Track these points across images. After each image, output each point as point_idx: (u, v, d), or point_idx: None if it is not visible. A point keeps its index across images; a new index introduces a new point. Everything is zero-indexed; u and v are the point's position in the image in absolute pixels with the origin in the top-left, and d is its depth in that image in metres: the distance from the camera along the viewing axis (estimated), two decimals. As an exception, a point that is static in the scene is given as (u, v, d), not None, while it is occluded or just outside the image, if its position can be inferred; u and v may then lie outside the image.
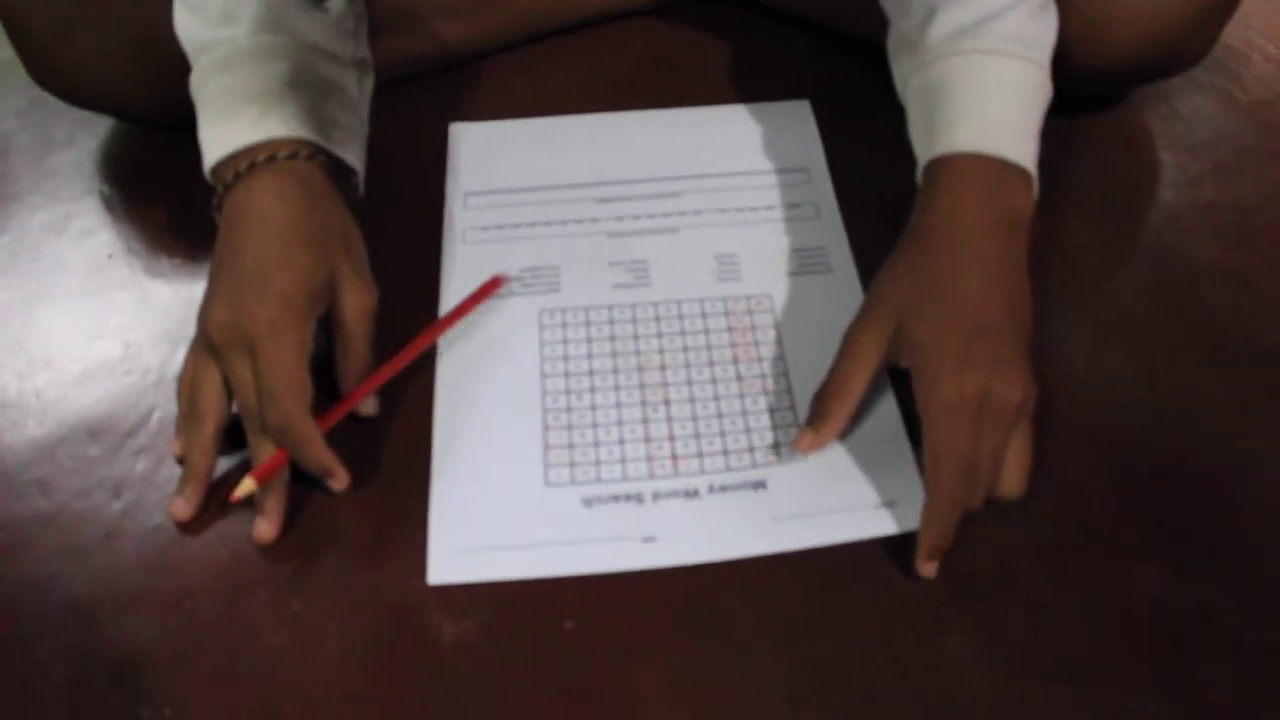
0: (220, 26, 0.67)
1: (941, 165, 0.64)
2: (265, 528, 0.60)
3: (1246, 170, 0.82)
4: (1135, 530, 0.60)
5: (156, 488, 0.63)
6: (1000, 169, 0.63)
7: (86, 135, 0.86)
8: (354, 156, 0.70)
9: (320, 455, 0.60)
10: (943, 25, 0.66)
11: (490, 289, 0.71)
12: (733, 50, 0.91)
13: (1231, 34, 0.86)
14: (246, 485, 0.60)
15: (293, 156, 0.64)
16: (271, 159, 0.64)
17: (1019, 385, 0.58)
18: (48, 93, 0.80)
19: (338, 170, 0.69)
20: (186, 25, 0.69)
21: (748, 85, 0.88)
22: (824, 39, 0.91)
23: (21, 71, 0.81)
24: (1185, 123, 0.85)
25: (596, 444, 0.64)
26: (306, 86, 0.67)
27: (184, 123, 0.69)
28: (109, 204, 0.81)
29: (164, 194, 0.81)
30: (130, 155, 0.85)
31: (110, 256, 0.78)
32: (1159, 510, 0.61)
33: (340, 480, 0.62)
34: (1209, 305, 0.73)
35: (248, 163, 0.64)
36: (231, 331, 0.60)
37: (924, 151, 0.66)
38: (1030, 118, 0.65)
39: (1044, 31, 0.68)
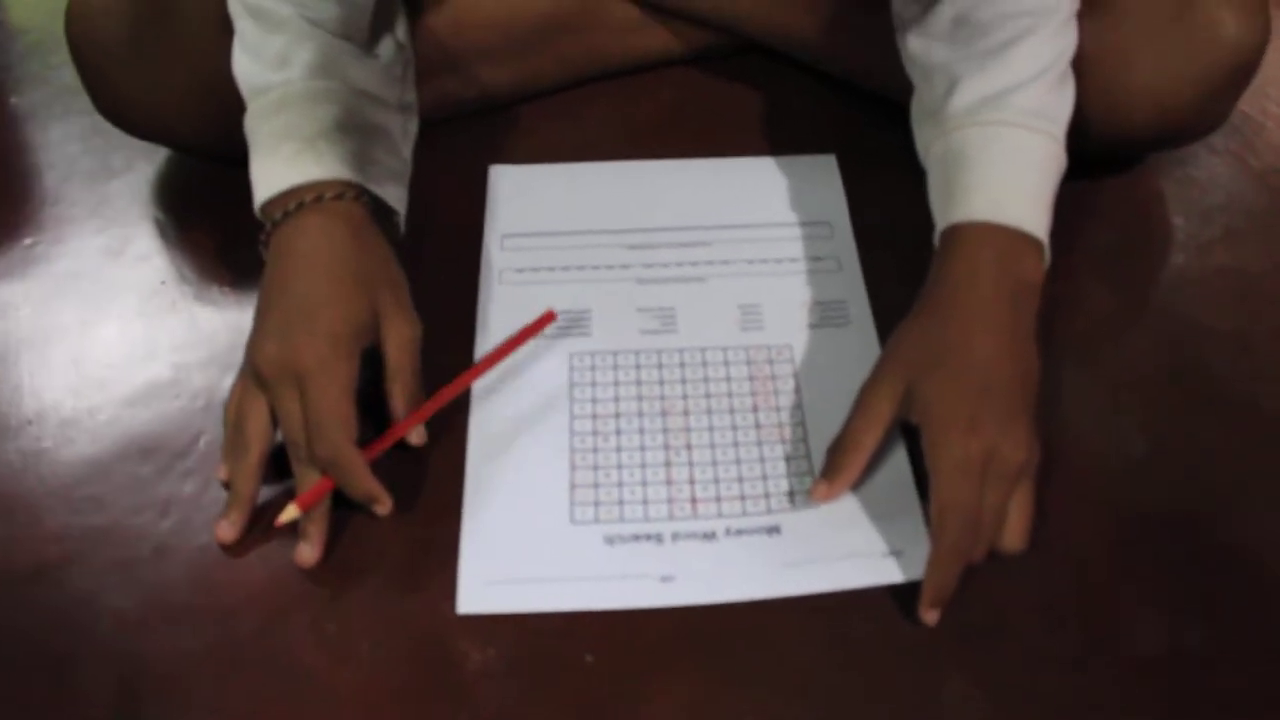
0: (275, 70, 0.71)
1: (957, 232, 0.67)
2: (308, 552, 0.64)
3: (1256, 236, 0.85)
4: (1134, 583, 0.64)
5: (203, 509, 0.67)
6: (1013, 238, 0.66)
7: (144, 163, 0.90)
8: (396, 198, 0.74)
9: (367, 484, 0.64)
10: (964, 96, 0.69)
11: (542, 325, 0.73)
12: (763, 101, 0.95)
13: (1247, 101, 0.88)
14: (290, 511, 0.64)
15: (339, 198, 0.68)
16: (319, 199, 0.68)
17: (1023, 446, 0.61)
18: (109, 123, 0.85)
19: (380, 210, 0.73)
20: (243, 67, 0.73)
21: (776, 136, 0.91)
22: (852, 93, 0.94)
23: (83, 98, 0.85)
24: (1199, 187, 0.88)
25: (620, 484, 0.68)
26: (354, 130, 0.71)
27: (238, 157, 0.72)
28: (163, 231, 0.86)
29: (216, 224, 0.85)
30: (185, 185, 0.89)
31: (163, 282, 0.81)
32: (1158, 563, 0.64)
33: (385, 505, 0.65)
34: (1212, 367, 0.76)
35: (296, 202, 0.68)
36: (280, 366, 0.64)
37: (941, 217, 0.69)
38: (1044, 189, 0.68)
39: (1061, 105, 0.71)
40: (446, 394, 0.69)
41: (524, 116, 0.93)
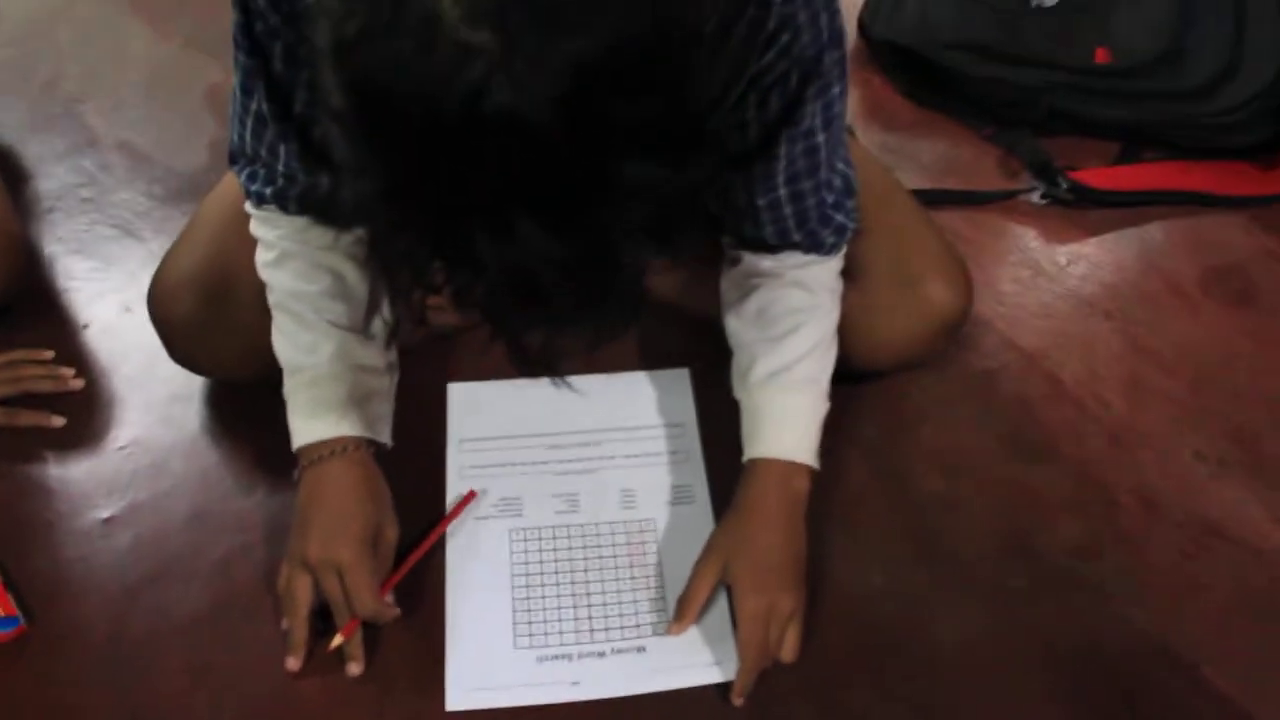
0: (307, 356, 1.05)
1: (753, 463, 1.07)
2: (355, 667, 1.01)
3: (968, 422, 1.25)
4: (865, 672, 1.04)
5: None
6: (790, 466, 1.05)
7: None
8: (387, 435, 1.10)
9: (387, 618, 1.02)
10: (760, 370, 1.08)
11: (466, 502, 1.11)
12: (641, 328, 1.30)
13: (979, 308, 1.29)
14: (338, 639, 1.01)
15: (357, 448, 1.05)
16: (343, 450, 1.04)
17: (792, 600, 1.01)
18: (180, 367, 1.19)
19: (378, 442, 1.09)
20: (282, 348, 1.07)
21: (648, 353, 1.29)
22: (703, 325, 1.26)
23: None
24: (933, 385, 1.28)
25: (545, 621, 1.06)
26: (362, 398, 1.06)
27: (274, 387, 1.08)
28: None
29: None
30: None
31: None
32: (883, 660, 1.05)
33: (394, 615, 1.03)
34: (930, 524, 1.16)
35: (328, 450, 1.04)
36: (324, 560, 1.00)
37: (745, 450, 1.08)
38: (813, 427, 1.07)
39: (827, 365, 1.09)
40: (411, 560, 1.07)
41: (472, 343, 1.29)
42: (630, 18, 0.61)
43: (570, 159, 0.62)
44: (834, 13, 0.92)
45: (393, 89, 0.62)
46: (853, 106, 1.59)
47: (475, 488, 1.15)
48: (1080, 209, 1.49)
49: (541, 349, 0.75)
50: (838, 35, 0.94)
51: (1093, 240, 1.47)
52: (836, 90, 0.97)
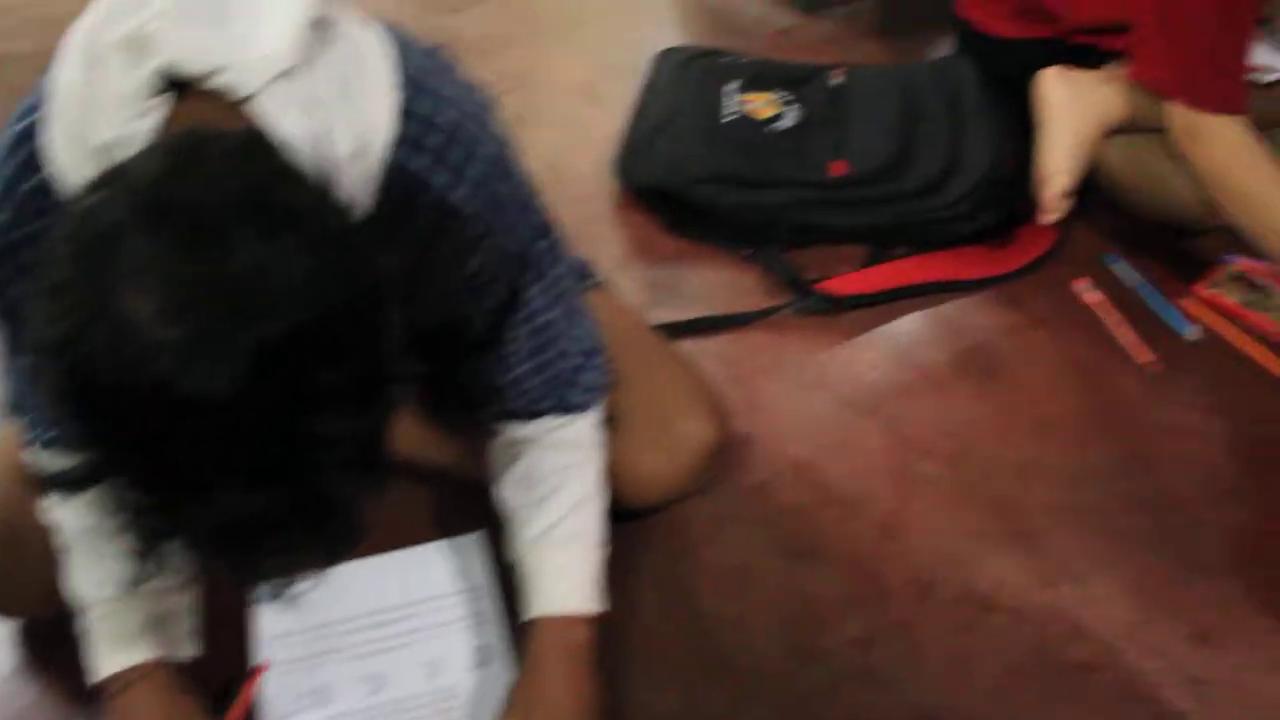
0: (99, 588, 1.09)
1: (533, 622, 1.13)
2: None
3: (747, 547, 1.35)
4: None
5: None
6: (566, 620, 1.12)
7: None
8: (190, 649, 1.14)
9: None
10: (529, 532, 1.15)
11: (256, 677, 1.16)
12: (433, 490, 1.39)
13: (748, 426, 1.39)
14: None
15: (158, 669, 1.09)
16: (143, 676, 1.08)
17: (591, 747, 1.08)
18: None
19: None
20: (76, 585, 1.10)
21: (445, 519, 1.35)
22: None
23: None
24: (720, 505, 1.38)
25: (363, 805, 1.11)
26: (159, 620, 1.10)
27: (67, 620, 1.12)
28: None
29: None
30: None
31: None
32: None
33: None
34: (719, 640, 1.24)
35: (132, 676, 1.08)
36: None
37: (524, 610, 1.15)
38: (585, 576, 1.15)
39: (594, 516, 1.17)
40: None
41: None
42: (317, 297, 0.69)
43: (261, 429, 0.70)
44: (530, 209, 1.03)
45: (95, 382, 0.69)
46: (618, 247, 1.72)
47: (287, 682, 1.19)
48: (835, 315, 1.62)
49: (278, 574, 0.82)
50: (541, 226, 1.05)
51: (849, 343, 1.59)
52: (556, 271, 1.07)
